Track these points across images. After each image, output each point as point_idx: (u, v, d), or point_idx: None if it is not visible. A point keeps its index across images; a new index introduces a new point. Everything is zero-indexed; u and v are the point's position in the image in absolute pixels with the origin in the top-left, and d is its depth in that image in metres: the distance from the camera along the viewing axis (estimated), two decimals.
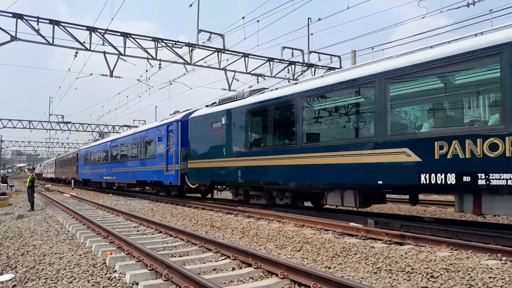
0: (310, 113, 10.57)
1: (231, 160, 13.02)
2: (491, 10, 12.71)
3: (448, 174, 7.25)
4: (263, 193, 12.63)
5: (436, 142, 7.43)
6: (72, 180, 37.19)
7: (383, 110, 8.40)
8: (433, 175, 7.47)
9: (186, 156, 15.96)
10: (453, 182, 7.17)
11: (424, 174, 7.61)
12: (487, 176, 6.70)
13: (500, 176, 6.52)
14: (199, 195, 18.44)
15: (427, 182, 7.56)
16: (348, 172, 9.15)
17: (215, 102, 15.25)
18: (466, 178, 6.99)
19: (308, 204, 12.94)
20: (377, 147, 8.51)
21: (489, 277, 4.85)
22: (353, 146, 9.12)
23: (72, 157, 41.16)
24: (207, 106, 15.92)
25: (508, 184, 6.43)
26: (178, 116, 17.36)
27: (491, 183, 6.63)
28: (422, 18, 14.73)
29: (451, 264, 5.42)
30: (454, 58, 7.28)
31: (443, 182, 7.32)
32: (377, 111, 8.55)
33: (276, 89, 12.40)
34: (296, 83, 11.70)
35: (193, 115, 15.80)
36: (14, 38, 14.32)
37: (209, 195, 18.86)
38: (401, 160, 8.03)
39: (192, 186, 16.25)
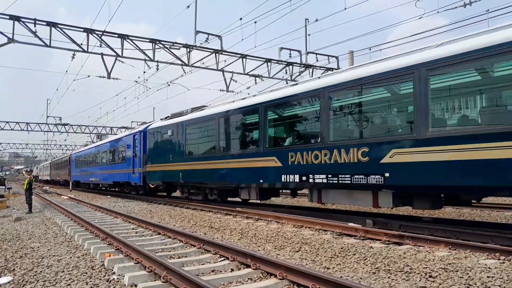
0: (223, 129, 13.69)
1: (175, 165, 16.13)
2: (488, 10, 12.75)
3: (296, 175, 10.32)
4: (199, 191, 15.75)
5: (289, 153, 10.55)
6: (70, 182, 37.37)
7: (262, 129, 11.68)
8: (288, 176, 10.56)
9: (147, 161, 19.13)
10: (297, 181, 10.26)
11: (284, 175, 10.66)
12: (313, 177, 9.77)
13: (319, 176, 9.64)
14: (165, 193, 21.41)
15: (286, 181, 10.60)
16: (247, 174, 12.21)
17: (168, 116, 18.08)
18: (304, 178, 10.07)
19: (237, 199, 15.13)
20: (259, 156, 11.65)
21: (488, 277, 4.86)
22: (248, 155, 12.32)
23: (65, 161, 44.52)
24: (161, 119, 18.74)
25: (323, 182, 9.54)
26: (141, 127, 20.60)
27: (315, 181, 9.75)
28: (419, 18, 14.77)
29: (450, 264, 5.43)
30: (282, 100, 11.14)
31: (293, 181, 10.39)
32: (260, 130, 11.79)
33: (204, 108, 15.84)
34: (218, 105, 14.85)
35: (150, 127, 19.06)
36: (11, 40, 14.28)
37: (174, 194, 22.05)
38: (272, 165, 11.11)
39: (152, 186, 19.63)
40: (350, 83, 9.12)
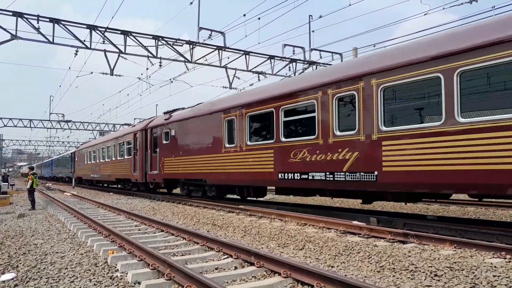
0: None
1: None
2: (494, 6, 12.63)
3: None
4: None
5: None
6: (73, 179, 37.79)
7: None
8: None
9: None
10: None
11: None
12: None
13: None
14: None
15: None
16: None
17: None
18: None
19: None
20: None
21: (494, 276, 4.82)
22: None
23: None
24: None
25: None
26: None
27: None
28: (425, 15, 14.66)
29: (455, 263, 5.39)
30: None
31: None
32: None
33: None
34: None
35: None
36: (14, 37, 14.29)
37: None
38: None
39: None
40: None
